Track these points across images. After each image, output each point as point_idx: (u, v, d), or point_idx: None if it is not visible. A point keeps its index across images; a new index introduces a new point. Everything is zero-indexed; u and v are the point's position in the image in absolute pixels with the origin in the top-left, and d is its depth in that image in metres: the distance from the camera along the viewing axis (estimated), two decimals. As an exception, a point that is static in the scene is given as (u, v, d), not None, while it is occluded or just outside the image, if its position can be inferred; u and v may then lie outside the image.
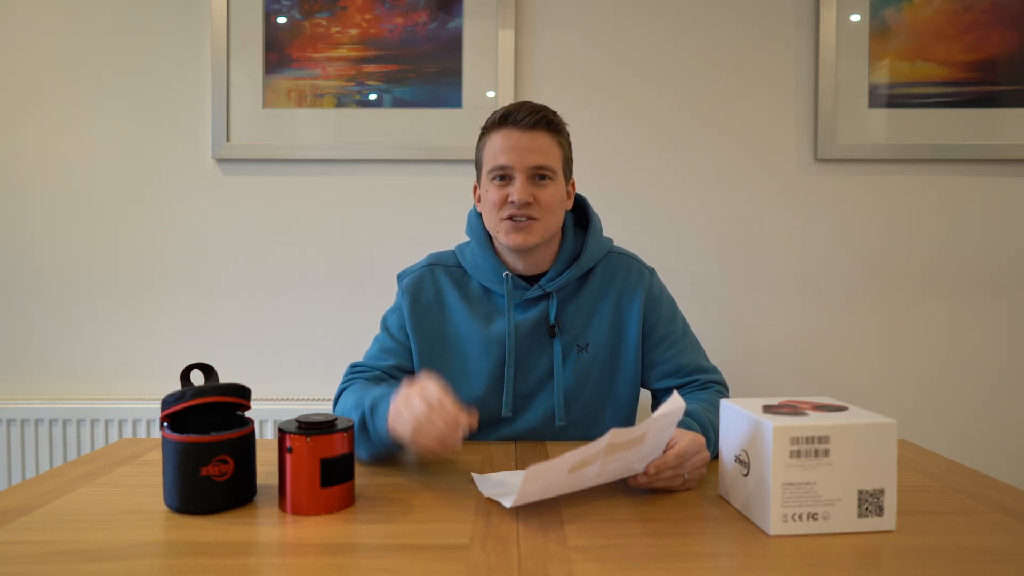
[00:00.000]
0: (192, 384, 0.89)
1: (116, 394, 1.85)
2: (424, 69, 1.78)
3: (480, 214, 1.26)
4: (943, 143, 1.78)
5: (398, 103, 1.79)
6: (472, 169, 1.79)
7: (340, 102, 1.79)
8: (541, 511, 0.87)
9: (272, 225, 1.84)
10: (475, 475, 0.99)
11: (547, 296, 1.22)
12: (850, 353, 1.84)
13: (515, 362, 1.21)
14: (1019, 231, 1.81)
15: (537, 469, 0.80)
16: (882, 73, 1.78)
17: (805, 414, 0.83)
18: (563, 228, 1.26)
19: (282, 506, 0.86)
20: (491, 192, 1.17)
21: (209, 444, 0.84)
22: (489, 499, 0.90)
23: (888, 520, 0.80)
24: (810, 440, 0.79)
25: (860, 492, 0.80)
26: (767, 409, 0.86)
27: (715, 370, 1.26)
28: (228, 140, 1.79)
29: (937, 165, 1.81)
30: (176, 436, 0.84)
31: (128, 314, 1.85)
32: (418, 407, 0.89)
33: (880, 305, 1.83)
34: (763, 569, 0.70)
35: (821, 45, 1.77)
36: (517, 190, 1.14)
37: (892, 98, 1.78)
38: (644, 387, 1.29)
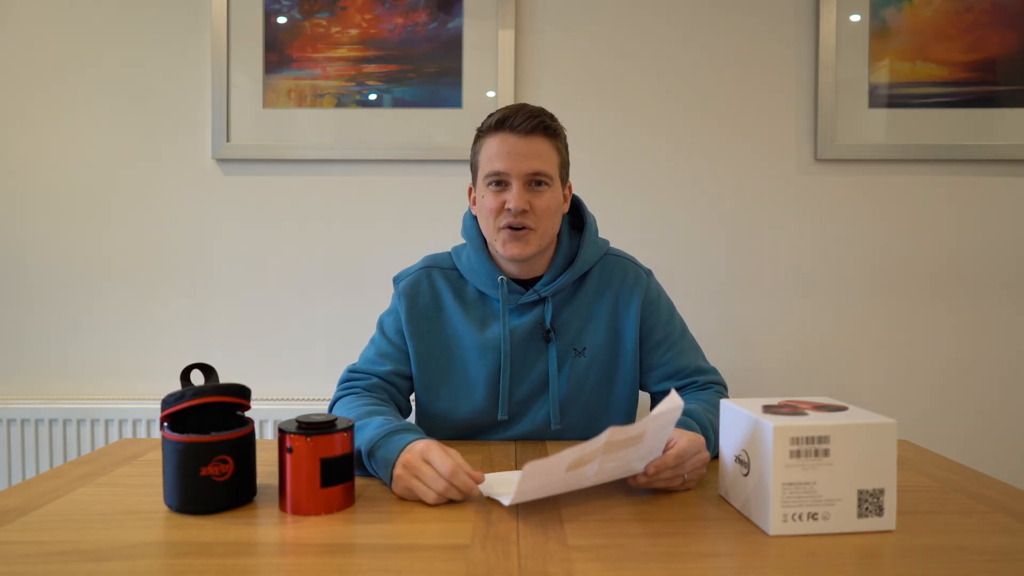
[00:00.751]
0: (192, 384, 0.89)
1: (116, 394, 1.85)
2: (424, 69, 1.78)
3: (475, 216, 1.25)
4: (943, 143, 1.78)
5: (398, 103, 1.79)
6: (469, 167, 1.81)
7: (340, 102, 1.79)
8: (541, 511, 0.86)
9: (272, 225, 1.84)
10: None
11: (543, 301, 1.21)
12: (850, 353, 1.84)
13: (511, 367, 1.20)
14: (1019, 231, 1.81)
15: (535, 466, 0.79)
16: (882, 73, 1.78)
17: (805, 414, 0.83)
18: (559, 231, 1.25)
19: (282, 506, 0.86)
20: (487, 198, 1.15)
21: (209, 444, 0.84)
22: (489, 499, 0.90)
23: (888, 520, 0.80)
24: (810, 440, 0.79)
25: (860, 492, 0.80)
26: (767, 409, 0.86)
27: (714, 371, 1.26)
28: (228, 140, 1.79)
29: (937, 165, 1.81)
30: (176, 436, 0.84)
31: (128, 314, 1.85)
32: (431, 497, 0.87)
33: (881, 305, 1.83)
34: (763, 569, 0.70)
35: (821, 45, 1.77)
36: (514, 197, 1.12)
37: (892, 98, 1.78)
38: (643, 390, 1.28)
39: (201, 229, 1.84)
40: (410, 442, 0.93)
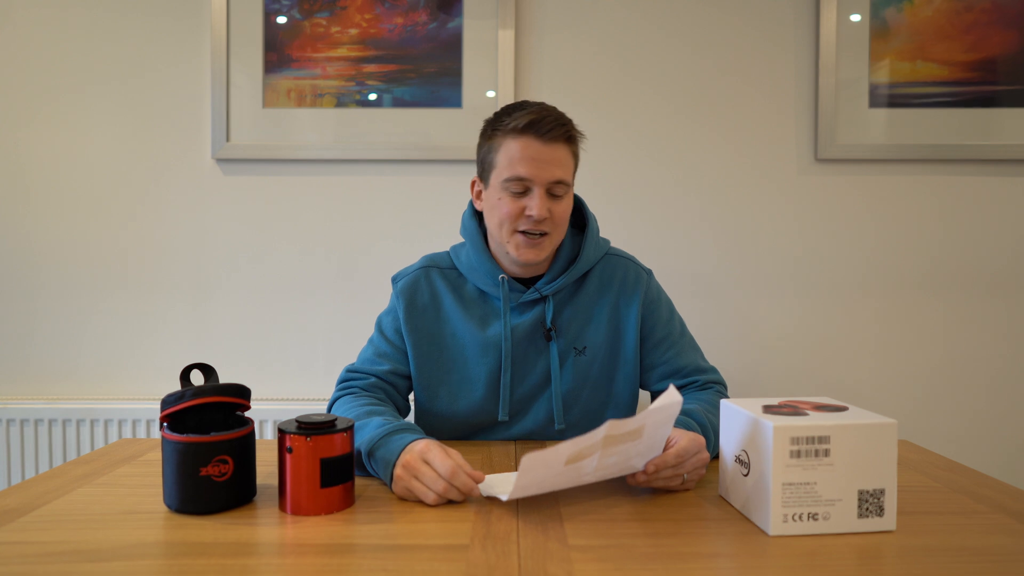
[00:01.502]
0: (192, 384, 0.89)
1: (115, 394, 1.84)
2: (424, 69, 1.78)
3: (474, 215, 1.25)
4: (943, 143, 1.78)
5: (398, 103, 1.79)
6: (469, 167, 1.81)
7: (340, 102, 1.79)
8: (540, 509, 0.86)
9: (272, 225, 1.84)
10: None
11: (544, 299, 1.21)
12: (850, 353, 1.84)
13: (512, 366, 1.20)
14: (1019, 231, 1.81)
15: (533, 458, 0.79)
16: (882, 73, 1.78)
17: (805, 414, 0.83)
18: None
19: (282, 506, 0.86)
20: (504, 201, 1.13)
21: (209, 444, 0.84)
22: (488, 498, 0.90)
23: (888, 520, 0.80)
24: (810, 440, 0.79)
25: (860, 492, 0.80)
26: (767, 409, 0.86)
27: (714, 370, 1.26)
28: (228, 140, 1.79)
29: (937, 165, 1.81)
30: (176, 436, 0.84)
31: (127, 314, 1.85)
32: (431, 498, 0.88)
33: (881, 305, 1.83)
34: (763, 569, 0.70)
35: (821, 45, 1.77)
36: (536, 205, 1.11)
37: (892, 98, 1.78)
38: (643, 388, 1.28)
39: (201, 229, 1.84)
40: (410, 442, 0.93)
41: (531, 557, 0.73)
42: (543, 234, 1.14)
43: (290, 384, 1.85)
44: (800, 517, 0.79)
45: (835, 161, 1.81)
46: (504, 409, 1.20)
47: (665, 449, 0.91)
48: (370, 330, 1.31)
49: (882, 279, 1.83)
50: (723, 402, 0.92)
